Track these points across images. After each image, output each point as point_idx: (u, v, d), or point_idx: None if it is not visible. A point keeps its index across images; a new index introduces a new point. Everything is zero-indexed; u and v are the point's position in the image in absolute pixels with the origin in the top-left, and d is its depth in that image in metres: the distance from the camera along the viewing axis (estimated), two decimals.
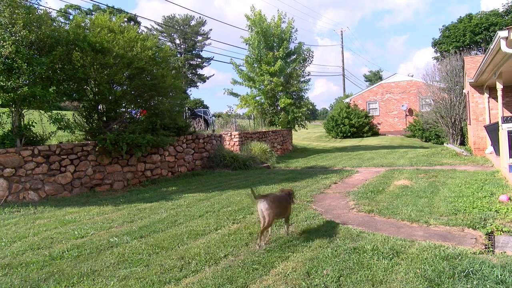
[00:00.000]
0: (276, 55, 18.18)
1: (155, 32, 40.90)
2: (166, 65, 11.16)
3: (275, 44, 18.76)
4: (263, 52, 18.24)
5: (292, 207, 4.84)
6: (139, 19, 45.72)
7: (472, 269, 3.24)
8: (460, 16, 37.27)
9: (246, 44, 18.89)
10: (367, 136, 29.24)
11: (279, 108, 19.20)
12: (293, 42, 19.23)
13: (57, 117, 8.61)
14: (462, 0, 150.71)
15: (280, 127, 18.57)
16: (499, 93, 9.05)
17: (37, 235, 5.10)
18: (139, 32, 10.85)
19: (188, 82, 45.94)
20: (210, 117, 24.51)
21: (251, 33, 18.50)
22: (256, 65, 18.75)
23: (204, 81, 50.71)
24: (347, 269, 3.44)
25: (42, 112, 8.52)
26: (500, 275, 3.10)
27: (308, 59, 19.80)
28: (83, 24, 9.79)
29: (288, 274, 3.43)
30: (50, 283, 3.50)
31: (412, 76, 30.53)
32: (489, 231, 4.36)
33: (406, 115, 30.34)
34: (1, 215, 6.40)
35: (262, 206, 4.12)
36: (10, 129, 8.00)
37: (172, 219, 5.72)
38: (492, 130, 10.17)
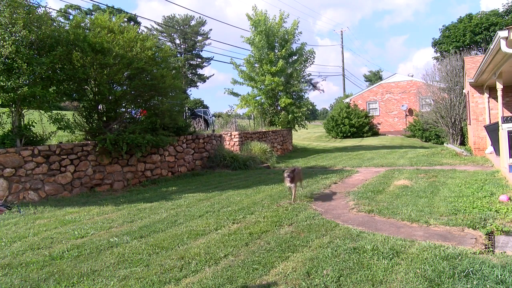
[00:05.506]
0: (278, 55, 18.17)
1: (155, 32, 40.87)
2: (166, 65, 11.16)
3: (276, 44, 18.75)
4: (265, 52, 18.23)
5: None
6: (139, 19, 45.71)
7: (472, 269, 3.24)
8: (460, 16, 37.28)
9: (249, 44, 18.84)
10: (367, 136, 29.23)
11: (279, 108, 19.19)
12: (295, 42, 19.26)
13: (57, 117, 8.61)
14: (462, 0, 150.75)
15: (280, 127, 18.56)
16: (499, 93, 9.04)
17: (37, 235, 5.10)
18: (139, 32, 10.85)
19: (188, 82, 45.88)
20: (210, 117, 24.50)
21: (254, 33, 18.45)
22: (257, 65, 18.74)
23: (204, 81, 50.66)
24: (347, 269, 3.44)
25: (42, 112, 8.51)
26: (500, 275, 3.10)
27: (309, 59, 19.80)
28: (83, 24, 9.78)
29: (288, 274, 3.43)
30: (50, 283, 3.51)
31: (412, 76, 30.51)
32: (489, 231, 4.36)
33: (406, 115, 30.34)
34: (1, 215, 6.39)
35: None
36: (10, 129, 8.00)
37: (172, 219, 5.72)
38: (492, 130, 10.16)
